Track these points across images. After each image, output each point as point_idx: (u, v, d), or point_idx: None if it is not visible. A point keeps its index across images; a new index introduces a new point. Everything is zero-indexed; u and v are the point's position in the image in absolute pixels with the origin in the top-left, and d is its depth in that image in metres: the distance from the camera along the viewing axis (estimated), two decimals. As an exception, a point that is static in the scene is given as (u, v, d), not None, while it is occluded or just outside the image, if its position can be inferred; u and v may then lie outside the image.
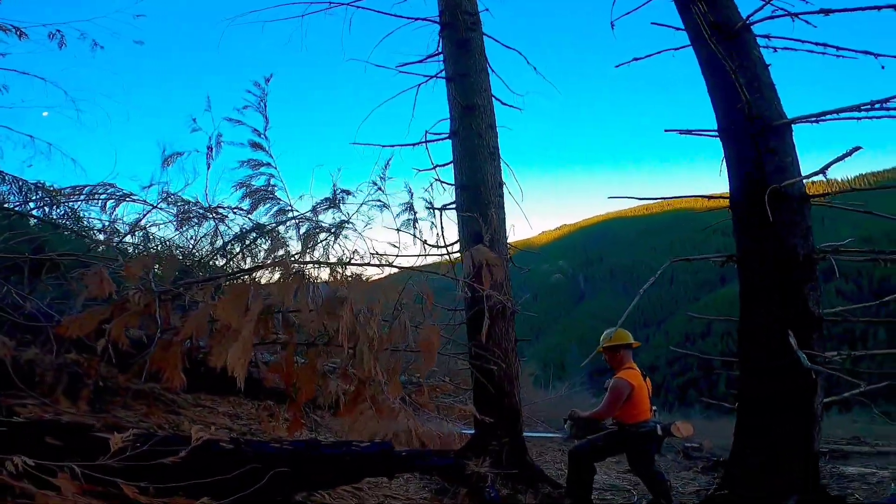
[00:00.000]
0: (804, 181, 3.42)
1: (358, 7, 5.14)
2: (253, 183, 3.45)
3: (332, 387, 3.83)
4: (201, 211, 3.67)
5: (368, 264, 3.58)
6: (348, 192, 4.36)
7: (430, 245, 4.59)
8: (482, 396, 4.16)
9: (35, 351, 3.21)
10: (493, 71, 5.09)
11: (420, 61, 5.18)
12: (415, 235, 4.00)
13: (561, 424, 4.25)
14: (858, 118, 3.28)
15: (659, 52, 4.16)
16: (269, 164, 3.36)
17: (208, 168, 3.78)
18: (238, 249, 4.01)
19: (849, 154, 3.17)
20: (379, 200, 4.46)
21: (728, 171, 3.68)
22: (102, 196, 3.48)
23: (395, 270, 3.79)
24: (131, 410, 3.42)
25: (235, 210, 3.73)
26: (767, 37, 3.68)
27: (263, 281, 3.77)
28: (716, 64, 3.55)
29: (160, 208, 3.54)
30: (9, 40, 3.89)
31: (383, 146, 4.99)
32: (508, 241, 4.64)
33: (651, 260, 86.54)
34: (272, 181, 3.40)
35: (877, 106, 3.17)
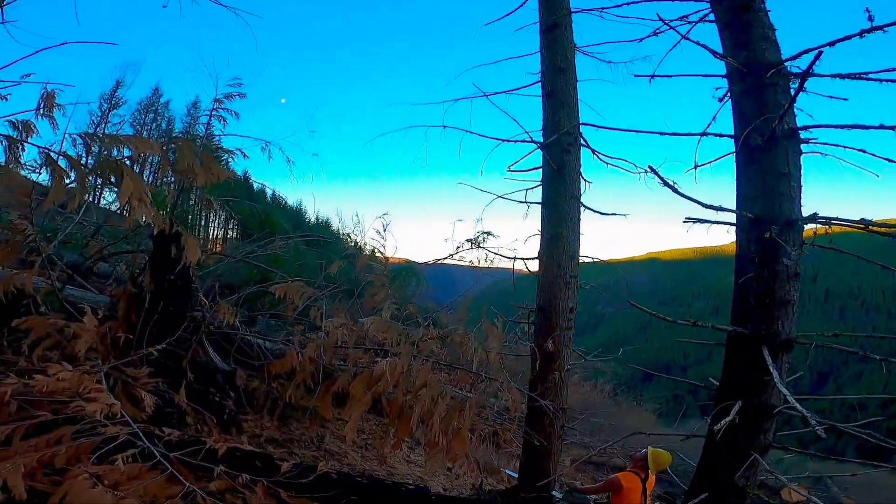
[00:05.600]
0: (788, 332, 3.62)
1: (468, 132, 6.18)
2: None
3: (419, 434, 5.62)
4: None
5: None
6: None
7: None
8: (526, 460, 5.47)
9: (256, 381, 5.56)
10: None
11: (525, 170, 6.03)
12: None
13: None
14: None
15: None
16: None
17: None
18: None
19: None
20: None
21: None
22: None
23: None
24: (301, 424, 5.61)
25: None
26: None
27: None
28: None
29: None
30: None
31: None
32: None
33: (883, 283, 72.13)
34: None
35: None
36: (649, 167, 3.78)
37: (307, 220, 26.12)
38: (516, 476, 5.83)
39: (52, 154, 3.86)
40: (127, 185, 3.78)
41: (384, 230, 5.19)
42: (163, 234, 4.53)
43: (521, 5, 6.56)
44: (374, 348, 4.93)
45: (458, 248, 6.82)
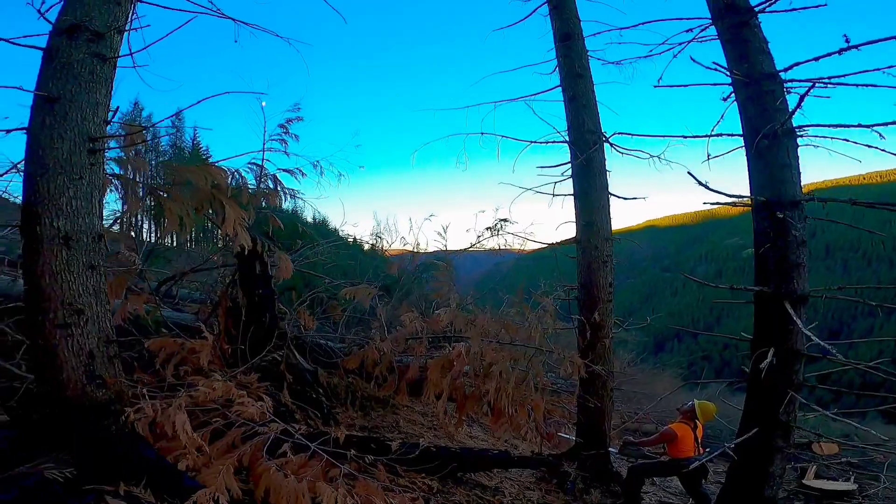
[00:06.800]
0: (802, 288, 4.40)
1: (503, 137, 6.81)
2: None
3: (485, 409, 6.29)
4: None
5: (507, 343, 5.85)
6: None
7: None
8: (582, 422, 6.16)
9: (336, 377, 6.21)
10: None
11: (555, 166, 6.67)
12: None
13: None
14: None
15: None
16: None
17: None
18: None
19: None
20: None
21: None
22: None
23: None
24: (376, 412, 6.27)
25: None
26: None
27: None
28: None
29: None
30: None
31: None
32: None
33: (882, 232, 72.31)
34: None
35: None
36: (688, 173, 4.44)
37: (304, 220, 26.73)
38: (571, 438, 6.51)
39: (159, 192, 4.48)
40: (230, 214, 4.37)
41: (445, 231, 5.84)
42: (253, 253, 5.12)
43: (530, 14, 7.13)
44: (442, 336, 5.57)
45: (478, 237, 7.48)
